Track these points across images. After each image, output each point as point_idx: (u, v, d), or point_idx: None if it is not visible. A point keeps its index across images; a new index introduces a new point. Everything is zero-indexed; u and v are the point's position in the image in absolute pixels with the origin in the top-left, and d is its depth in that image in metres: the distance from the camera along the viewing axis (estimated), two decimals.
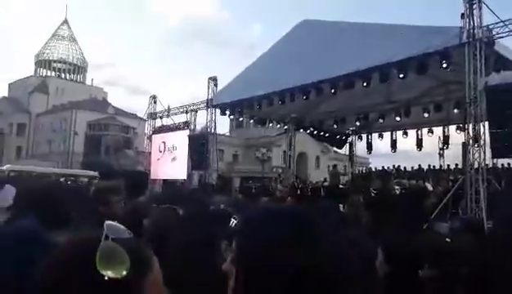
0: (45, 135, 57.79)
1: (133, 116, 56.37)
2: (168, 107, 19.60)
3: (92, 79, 75.18)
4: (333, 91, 12.01)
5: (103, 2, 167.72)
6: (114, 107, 60.18)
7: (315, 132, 19.26)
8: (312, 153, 47.40)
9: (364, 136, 19.70)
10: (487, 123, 9.12)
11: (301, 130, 19.24)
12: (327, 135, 19.51)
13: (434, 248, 1.93)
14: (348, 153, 20.77)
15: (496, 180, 9.96)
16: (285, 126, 18.87)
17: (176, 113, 19.01)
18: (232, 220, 1.50)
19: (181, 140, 18.09)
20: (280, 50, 13.47)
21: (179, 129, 18.58)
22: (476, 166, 9.15)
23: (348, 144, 20.36)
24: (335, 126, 18.07)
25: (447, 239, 2.01)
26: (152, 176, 19.57)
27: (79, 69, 70.85)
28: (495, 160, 11.03)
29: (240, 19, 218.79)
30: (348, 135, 19.96)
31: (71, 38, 70.93)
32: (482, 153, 9.16)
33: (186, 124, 18.13)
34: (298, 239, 0.80)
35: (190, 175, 18.07)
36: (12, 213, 1.86)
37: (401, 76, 10.56)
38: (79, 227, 1.78)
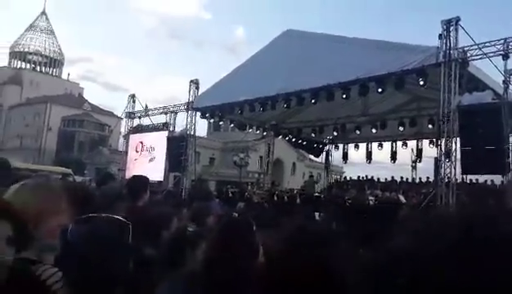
0: (17, 129, 56.03)
1: (109, 114, 55.43)
2: (146, 106, 19.44)
3: (69, 74, 73.84)
4: (313, 100, 12.25)
5: None
6: (90, 103, 59.04)
7: (293, 139, 19.53)
8: (289, 160, 47.76)
9: (340, 146, 20.10)
10: (458, 140, 9.54)
11: (279, 136, 19.46)
12: (305, 143, 19.81)
13: None
14: (323, 161, 21.12)
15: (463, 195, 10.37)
16: (264, 132, 19.03)
17: (155, 114, 18.90)
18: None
19: (159, 141, 17.94)
20: (264, 57, 13.63)
21: (158, 130, 18.44)
22: (446, 180, 9.54)
23: (324, 153, 20.71)
24: (313, 134, 18.38)
25: None
26: (128, 176, 19.33)
27: (56, 62, 69.20)
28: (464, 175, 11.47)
29: (223, 20, 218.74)
30: (325, 144, 20.30)
31: (49, 31, 69.29)
32: (452, 169, 9.56)
33: (166, 125, 18.01)
34: None
35: (166, 177, 17.95)
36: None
37: (380, 90, 10.91)
38: None
